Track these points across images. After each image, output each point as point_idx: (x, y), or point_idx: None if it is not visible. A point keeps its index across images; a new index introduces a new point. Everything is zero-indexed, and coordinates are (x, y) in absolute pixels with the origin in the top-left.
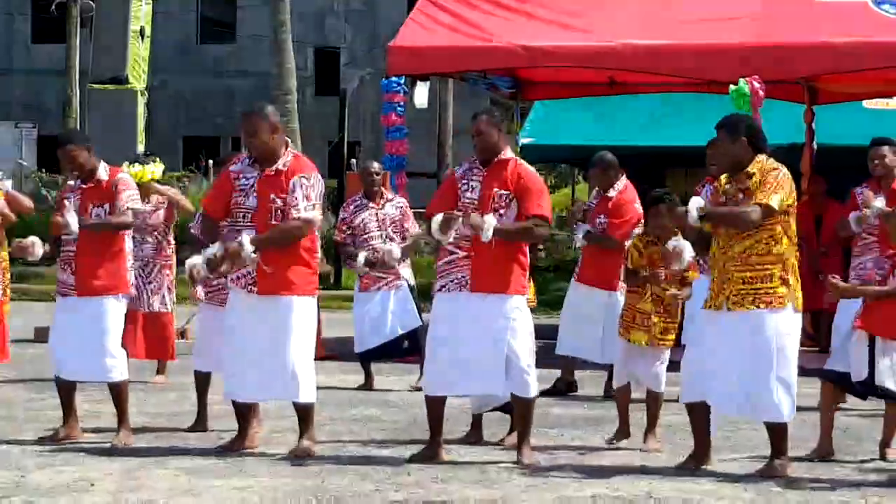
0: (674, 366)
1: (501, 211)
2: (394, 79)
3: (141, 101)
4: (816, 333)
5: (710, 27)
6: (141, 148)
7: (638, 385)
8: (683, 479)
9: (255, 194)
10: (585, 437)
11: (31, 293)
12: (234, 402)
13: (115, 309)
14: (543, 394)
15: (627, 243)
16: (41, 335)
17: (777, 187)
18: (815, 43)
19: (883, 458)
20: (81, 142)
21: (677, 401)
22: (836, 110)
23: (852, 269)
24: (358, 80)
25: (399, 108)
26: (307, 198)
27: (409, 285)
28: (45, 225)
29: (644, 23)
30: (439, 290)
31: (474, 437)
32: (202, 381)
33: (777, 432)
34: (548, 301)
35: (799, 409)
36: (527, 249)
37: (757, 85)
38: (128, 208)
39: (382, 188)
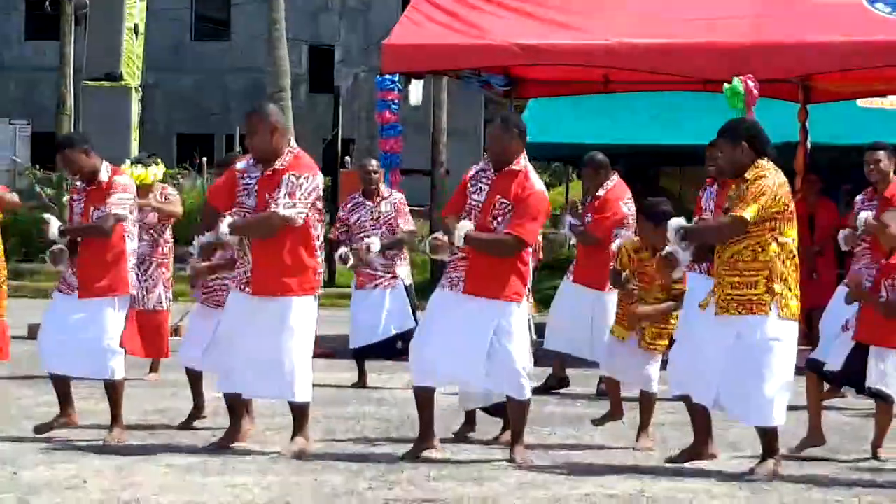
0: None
1: (500, 218)
2: (388, 76)
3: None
4: (810, 332)
5: (705, 26)
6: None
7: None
8: (676, 478)
9: (255, 194)
10: (578, 435)
11: (26, 290)
12: (226, 397)
13: (114, 309)
14: (535, 391)
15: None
16: (35, 332)
17: (755, 197)
18: (810, 42)
19: (876, 457)
20: (80, 144)
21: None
22: (830, 109)
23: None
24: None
25: (393, 106)
26: (290, 195)
27: (405, 285)
28: (38, 222)
29: (639, 21)
30: (438, 286)
31: (467, 430)
32: (195, 376)
33: (767, 434)
34: (541, 299)
35: (795, 407)
36: (528, 258)
37: (751, 84)
38: (111, 213)
39: (381, 186)
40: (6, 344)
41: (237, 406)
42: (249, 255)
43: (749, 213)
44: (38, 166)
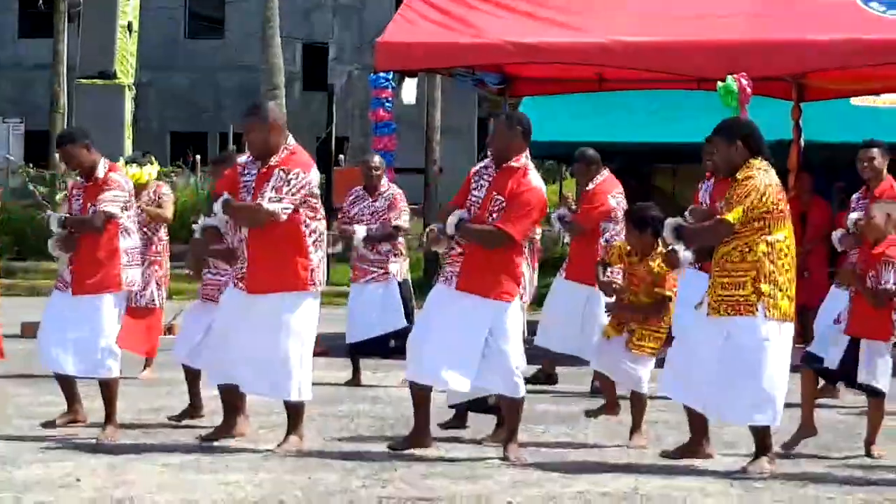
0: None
1: (495, 214)
2: (382, 74)
3: (129, 97)
4: (803, 330)
5: (699, 24)
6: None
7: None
8: (669, 476)
9: (253, 190)
10: (572, 433)
11: (18, 288)
12: (220, 391)
13: (109, 306)
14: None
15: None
16: (28, 331)
17: (740, 199)
18: (803, 40)
19: (868, 454)
20: (81, 139)
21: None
22: (823, 107)
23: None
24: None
25: (387, 104)
26: (276, 190)
27: (399, 282)
28: (32, 220)
29: (633, 20)
30: (437, 281)
31: (458, 424)
32: (192, 374)
33: (759, 433)
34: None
35: (788, 405)
36: (520, 258)
37: (745, 82)
38: (101, 211)
39: (382, 182)
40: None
41: (232, 400)
42: (246, 252)
43: (732, 216)
44: (31, 165)
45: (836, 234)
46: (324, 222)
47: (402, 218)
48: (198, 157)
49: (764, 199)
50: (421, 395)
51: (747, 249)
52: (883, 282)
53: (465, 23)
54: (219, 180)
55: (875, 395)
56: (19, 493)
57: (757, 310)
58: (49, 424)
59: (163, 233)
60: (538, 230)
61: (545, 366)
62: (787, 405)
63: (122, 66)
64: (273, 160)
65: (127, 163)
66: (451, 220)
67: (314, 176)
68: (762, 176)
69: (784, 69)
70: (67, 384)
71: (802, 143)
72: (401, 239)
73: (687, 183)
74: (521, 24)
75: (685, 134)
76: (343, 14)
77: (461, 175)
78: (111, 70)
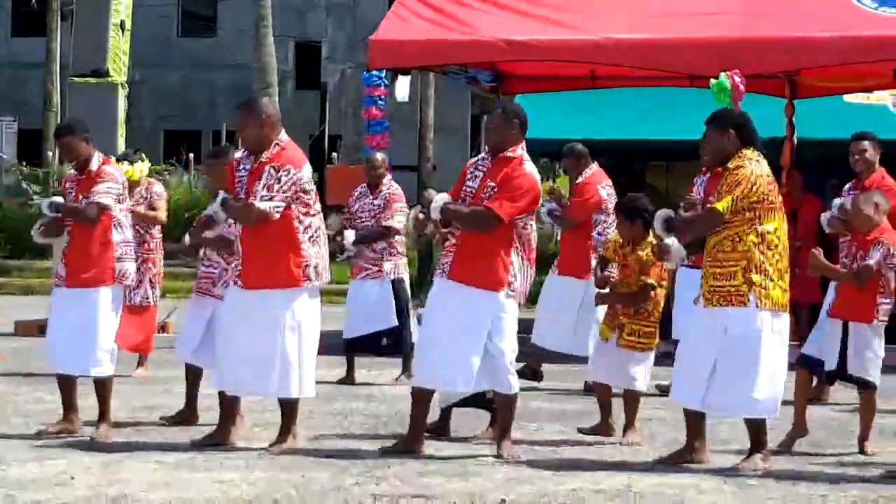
0: (657, 359)
1: (487, 203)
2: (375, 72)
3: (121, 95)
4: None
5: (692, 22)
6: (122, 142)
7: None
8: (663, 473)
9: (246, 186)
10: (565, 430)
11: (12, 287)
12: (220, 395)
13: (104, 301)
14: None
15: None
16: (22, 329)
17: (730, 189)
18: (796, 37)
19: (862, 451)
20: (81, 132)
21: (656, 395)
22: (816, 104)
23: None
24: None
25: (380, 102)
26: (267, 188)
27: (393, 280)
28: (26, 218)
29: (626, 17)
30: (435, 274)
31: (440, 430)
32: (194, 374)
33: (754, 427)
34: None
35: (783, 402)
36: (510, 249)
37: (738, 79)
38: (95, 202)
39: (384, 180)
40: None
41: (230, 406)
42: (241, 250)
43: (722, 205)
44: (24, 163)
45: (825, 216)
46: (319, 217)
47: (395, 219)
48: (191, 155)
49: (754, 189)
50: (423, 395)
51: (738, 239)
52: (868, 259)
53: (459, 20)
54: (221, 178)
55: (866, 387)
56: (13, 492)
57: (749, 300)
58: (42, 434)
59: (156, 231)
60: (532, 222)
61: (530, 362)
62: (782, 403)
63: (114, 65)
64: (264, 156)
65: (118, 160)
66: (436, 203)
67: (306, 171)
68: (753, 166)
69: (777, 66)
70: (67, 389)
71: (796, 141)
72: (399, 237)
73: (680, 180)
74: (515, 21)
75: (678, 131)
76: (336, 12)
77: (455, 172)
78: (104, 68)
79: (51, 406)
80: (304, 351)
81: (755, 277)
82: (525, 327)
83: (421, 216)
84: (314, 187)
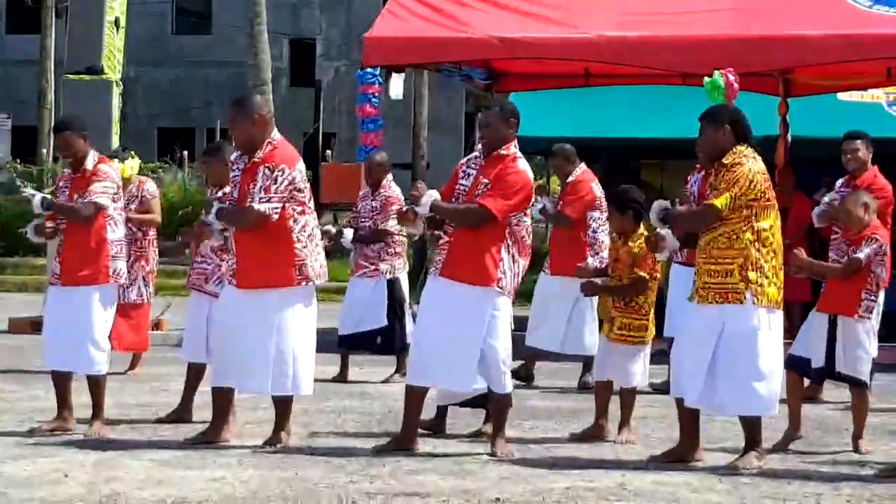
0: (651, 357)
1: (480, 199)
2: (369, 70)
3: (116, 92)
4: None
5: (686, 20)
6: (116, 139)
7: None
8: (657, 471)
9: (239, 186)
10: (560, 429)
11: (7, 284)
12: (213, 393)
13: (99, 300)
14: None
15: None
16: (16, 327)
17: (729, 186)
18: (790, 35)
19: (856, 450)
20: (78, 129)
21: (649, 392)
22: (810, 103)
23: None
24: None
25: (374, 100)
26: (264, 189)
27: (389, 280)
28: (20, 215)
29: (620, 15)
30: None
31: (436, 428)
32: (195, 373)
33: (749, 425)
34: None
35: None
36: (501, 244)
37: (731, 77)
38: (91, 201)
39: (384, 180)
40: None
41: (224, 405)
42: (234, 249)
43: (721, 201)
44: (18, 160)
45: (816, 210)
46: (314, 215)
47: (389, 222)
48: (185, 152)
49: (752, 187)
50: (416, 393)
51: (734, 237)
52: (858, 252)
53: (453, 18)
54: (216, 175)
55: (858, 385)
56: (6, 489)
57: (745, 297)
58: (35, 431)
59: (148, 227)
60: (526, 219)
61: (527, 362)
62: (780, 401)
63: (109, 62)
64: (257, 156)
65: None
66: (425, 200)
67: (299, 170)
68: (751, 163)
69: (770, 65)
70: (62, 387)
71: (789, 139)
72: (398, 238)
73: (675, 178)
74: (509, 19)
75: (673, 129)
76: (330, 10)
77: (449, 170)
78: (98, 65)
79: (45, 404)
80: (300, 349)
81: (752, 275)
82: (519, 325)
83: (407, 212)
84: (308, 185)
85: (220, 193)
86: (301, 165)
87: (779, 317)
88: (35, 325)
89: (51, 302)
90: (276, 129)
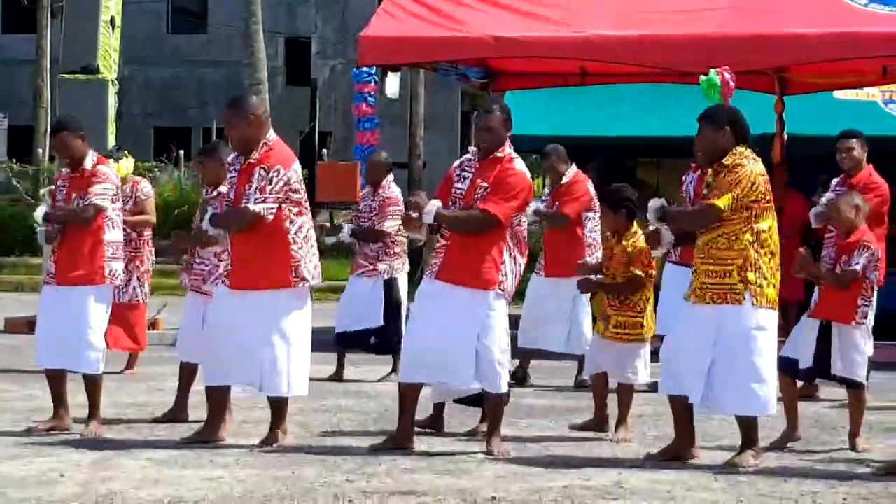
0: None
1: (481, 204)
2: (365, 69)
3: (112, 92)
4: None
5: (682, 18)
6: (112, 139)
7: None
8: (654, 470)
9: (235, 187)
10: (556, 427)
11: (3, 284)
12: (207, 392)
13: (95, 300)
14: None
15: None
16: (12, 326)
17: (730, 186)
18: (786, 33)
19: (853, 448)
20: (76, 129)
21: (646, 391)
22: (806, 101)
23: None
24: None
25: (370, 99)
26: (260, 190)
27: (387, 280)
28: (15, 216)
29: (616, 14)
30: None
31: (434, 426)
32: (188, 373)
33: (745, 424)
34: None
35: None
36: (503, 246)
37: (727, 76)
38: (90, 203)
39: (384, 179)
40: None
41: (219, 404)
42: (230, 249)
43: (723, 201)
44: (14, 160)
45: (814, 211)
46: (309, 217)
47: (386, 223)
48: (181, 152)
49: (753, 188)
50: (410, 392)
51: (734, 238)
52: (853, 263)
53: (449, 17)
54: (211, 175)
55: (854, 387)
56: (3, 489)
57: (744, 298)
58: (32, 431)
59: (144, 227)
60: (524, 218)
61: (522, 363)
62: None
63: (104, 61)
64: (253, 157)
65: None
66: (429, 208)
67: (295, 170)
68: (752, 165)
69: (766, 63)
70: (57, 385)
71: (786, 137)
72: (397, 238)
73: (671, 176)
74: (504, 18)
75: (669, 128)
76: (326, 8)
77: (445, 169)
78: (94, 65)
79: (41, 403)
80: (295, 350)
81: (751, 276)
82: (513, 325)
83: (409, 218)
84: (303, 186)
85: (214, 193)
86: (297, 166)
87: (775, 317)
88: (31, 325)
89: (45, 300)
90: (272, 130)
